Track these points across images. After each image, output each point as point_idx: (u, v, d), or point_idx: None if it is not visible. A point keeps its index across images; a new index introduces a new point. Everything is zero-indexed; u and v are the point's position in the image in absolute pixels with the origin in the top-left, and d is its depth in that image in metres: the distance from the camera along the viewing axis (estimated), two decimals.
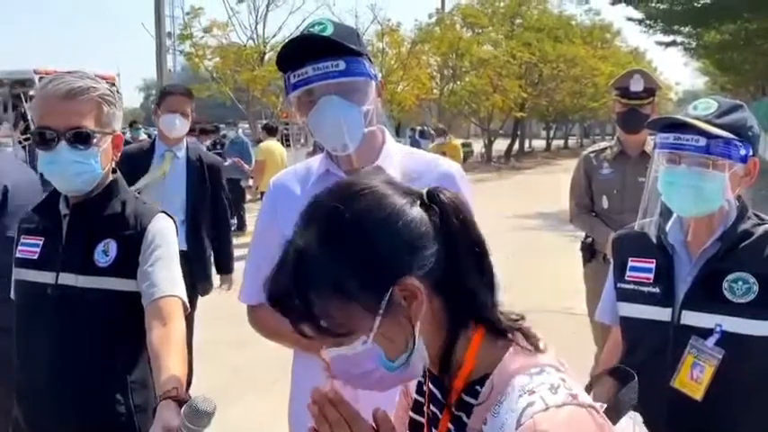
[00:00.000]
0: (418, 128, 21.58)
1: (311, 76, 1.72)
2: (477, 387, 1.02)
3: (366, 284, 0.99)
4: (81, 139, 1.89)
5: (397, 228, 1.00)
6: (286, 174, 2.00)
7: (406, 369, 1.03)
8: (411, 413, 1.20)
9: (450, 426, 1.06)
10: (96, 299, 1.94)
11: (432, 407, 1.12)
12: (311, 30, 1.78)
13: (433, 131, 15.83)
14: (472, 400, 1.02)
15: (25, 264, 2.02)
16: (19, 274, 2.04)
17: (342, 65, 1.72)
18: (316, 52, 1.72)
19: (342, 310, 1.00)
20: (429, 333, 1.03)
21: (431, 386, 1.13)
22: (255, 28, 20.22)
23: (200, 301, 4.15)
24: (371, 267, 0.99)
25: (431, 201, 1.04)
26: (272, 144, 11.13)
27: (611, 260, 2.12)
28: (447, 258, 1.02)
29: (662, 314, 1.88)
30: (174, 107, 4.12)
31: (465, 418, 1.03)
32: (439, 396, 1.11)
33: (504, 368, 1.01)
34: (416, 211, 1.02)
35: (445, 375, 1.06)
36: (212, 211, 4.26)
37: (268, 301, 1.05)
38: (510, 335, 1.06)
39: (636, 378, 1.50)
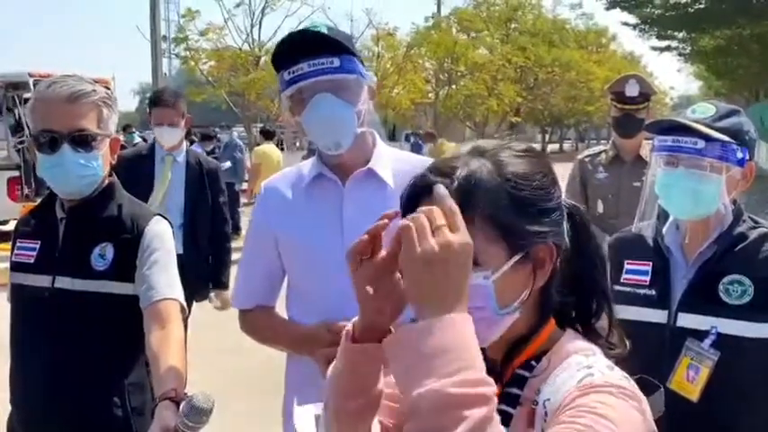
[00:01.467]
0: (421, 131, 21.59)
1: (306, 72, 1.73)
2: (533, 362, 1.06)
3: (519, 229, 1.02)
4: (84, 141, 1.89)
5: (555, 197, 1.07)
6: (277, 177, 2.01)
7: (501, 320, 1.04)
8: None
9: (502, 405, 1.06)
10: (93, 302, 1.94)
11: None
12: (305, 29, 1.80)
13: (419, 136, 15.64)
14: (526, 374, 1.06)
15: (21, 267, 2.02)
16: (15, 277, 2.03)
17: (336, 62, 1.74)
18: (311, 49, 1.74)
19: (485, 238, 1.01)
20: (522, 314, 1.06)
21: None
22: (251, 32, 20.22)
23: (194, 304, 4.13)
24: (537, 216, 1.03)
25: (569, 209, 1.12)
26: (269, 148, 11.14)
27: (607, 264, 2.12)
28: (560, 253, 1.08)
29: (658, 316, 1.89)
30: (161, 120, 4.09)
31: (517, 391, 1.05)
32: None
33: (561, 346, 1.06)
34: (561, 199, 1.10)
35: (507, 357, 1.08)
36: (211, 218, 4.23)
37: (427, 172, 1.06)
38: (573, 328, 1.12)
39: (662, 388, 1.49)
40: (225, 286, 4.27)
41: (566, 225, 1.09)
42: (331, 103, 1.74)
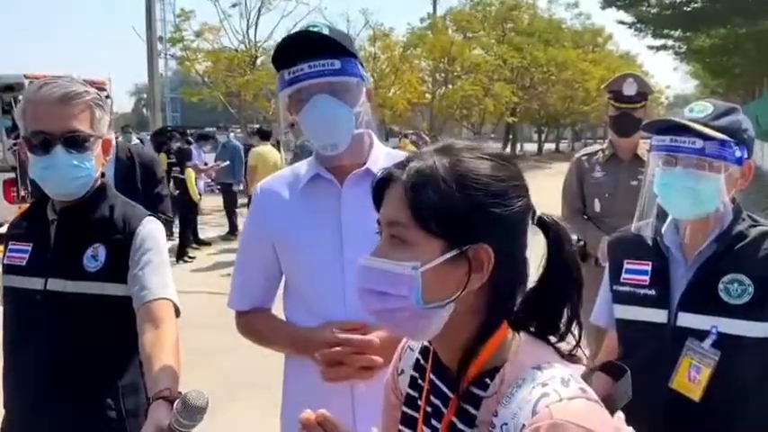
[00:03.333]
0: (419, 130, 21.67)
1: (307, 73, 1.73)
2: (487, 380, 1.04)
3: (458, 227, 1.02)
4: (77, 142, 1.87)
5: (513, 204, 1.05)
6: (273, 179, 2.00)
7: (426, 314, 1.04)
8: (404, 407, 1.21)
9: (455, 418, 1.07)
10: (86, 304, 1.92)
11: (433, 398, 1.13)
12: (307, 29, 1.78)
13: (427, 137, 15.81)
14: (481, 392, 1.04)
15: (13, 270, 2.00)
16: (7, 280, 2.02)
17: (337, 64, 1.74)
18: (312, 50, 1.73)
19: (424, 230, 1.03)
20: (464, 315, 1.06)
21: (433, 378, 1.14)
22: (247, 32, 20.19)
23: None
24: (483, 218, 1.03)
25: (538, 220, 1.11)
26: (266, 149, 11.07)
27: (605, 263, 2.12)
28: (511, 260, 1.07)
29: (658, 316, 1.88)
30: None
31: (473, 410, 1.04)
32: (443, 388, 1.11)
33: (515, 360, 1.04)
34: (526, 208, 1.08)
35: (461, 364, 1.07)
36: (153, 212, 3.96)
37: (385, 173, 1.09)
38: (527, 331, 1.10)
39: (628, 372, 1.48)
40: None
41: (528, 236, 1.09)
42: (330, 104, 1.74)
